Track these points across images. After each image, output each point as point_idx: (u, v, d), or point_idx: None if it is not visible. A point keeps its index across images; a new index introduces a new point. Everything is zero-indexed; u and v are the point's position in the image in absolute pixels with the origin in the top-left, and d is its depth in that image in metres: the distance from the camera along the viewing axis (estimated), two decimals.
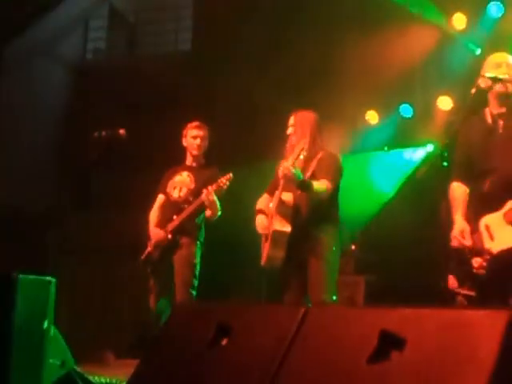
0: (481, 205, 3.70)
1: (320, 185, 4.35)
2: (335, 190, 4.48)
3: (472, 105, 3.76)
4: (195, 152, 5.32)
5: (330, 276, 4.39)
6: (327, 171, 4.42)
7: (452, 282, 5.70)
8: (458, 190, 3.81)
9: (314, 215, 4.44)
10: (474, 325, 2.22)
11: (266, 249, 4.45)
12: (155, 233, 5.23)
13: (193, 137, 5.32)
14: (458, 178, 3.85)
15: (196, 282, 5.11)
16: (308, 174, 4.41)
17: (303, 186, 4.30)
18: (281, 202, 4.40)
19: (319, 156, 4.47)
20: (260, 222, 4.59)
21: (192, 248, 5.14)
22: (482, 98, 3.74)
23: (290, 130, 4.60)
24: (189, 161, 5.40)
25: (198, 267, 5.15)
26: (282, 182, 4.39)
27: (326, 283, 4.36)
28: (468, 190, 3.80)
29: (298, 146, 4.36)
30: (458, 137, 3.86)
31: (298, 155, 4.32)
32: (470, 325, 2.23)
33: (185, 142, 5.39)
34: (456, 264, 3.81)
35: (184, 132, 5.40)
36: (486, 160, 3.70)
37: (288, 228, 4.35)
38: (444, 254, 5.65)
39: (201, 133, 5.32)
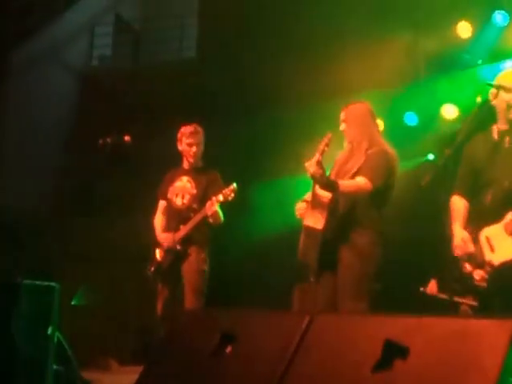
0: (482, 217, 3.67)
1: (353, 183, 4.03)
2: (377, 190, 4.06)
3: (478, 115, 3.75)
4: (191, 160, 5.30)
5: (358, 284, 4.08)
6: (370, 169, 4.05)
7: (432, 286, 5.64)
8: (459, 203, 3.80)
9: (348, 215, 4.10)
10: (478, 334, 2.22)
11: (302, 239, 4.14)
12: (164, 237, 5.19)
13: (188, 144, 5.28)
14: (459, 191, 3.84)
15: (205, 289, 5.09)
16: (354, 169, 4.11)
17: (327, 186, 3.95)
18: (316, 196, 4.03)
19: (370, 151, 4.15)
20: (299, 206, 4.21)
21: (201, 255, 5.11)
22: (487, 110, 3.73)
23: (342, 127, 4.30)
24: (186, 164, 5.36)
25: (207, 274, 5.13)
26: None
27: (352, 291, 4.07)
28: (468, 204, 3.78)
29: (322, 141, 4.02)
30: (463, 151, 3.83)
31: (323, 150, 3.95)
32: (474, 334, 2.23)
33: (180, 147, 5.35)
34: (458, 275, 3.78)
35: (179, 136, 5.34)
36: (489, 172, 3.70)
37: (319, 225, 4.00)
38: (433, 260, 5.61)
39: (196, 139, 5.28)
